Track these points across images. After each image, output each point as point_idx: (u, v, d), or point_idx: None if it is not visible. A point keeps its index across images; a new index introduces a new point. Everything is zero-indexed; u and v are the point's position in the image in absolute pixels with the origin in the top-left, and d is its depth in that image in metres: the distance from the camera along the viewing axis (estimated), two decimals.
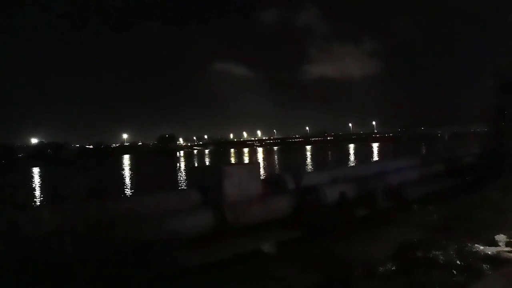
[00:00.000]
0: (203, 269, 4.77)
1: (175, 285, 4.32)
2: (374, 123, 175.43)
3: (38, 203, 22.23)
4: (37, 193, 28.39)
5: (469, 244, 4.97)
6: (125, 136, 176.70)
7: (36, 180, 42.46)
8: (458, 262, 4.42)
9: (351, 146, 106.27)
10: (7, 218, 4.96)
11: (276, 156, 73.54)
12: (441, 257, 4.56)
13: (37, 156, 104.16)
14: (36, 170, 58.33)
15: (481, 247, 4.87)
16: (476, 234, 5.46)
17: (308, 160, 55.60)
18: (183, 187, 23.46)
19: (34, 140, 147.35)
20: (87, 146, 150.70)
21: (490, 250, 4.77)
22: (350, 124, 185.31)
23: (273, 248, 5.44)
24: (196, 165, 54.81)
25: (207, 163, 65.45)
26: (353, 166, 22.37)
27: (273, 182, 8.49)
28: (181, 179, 32.72)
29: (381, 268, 4.32)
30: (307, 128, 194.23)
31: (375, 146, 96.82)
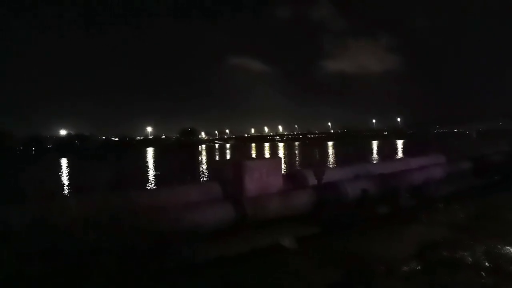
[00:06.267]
0: (222, 262, 4.80)
1: (194, 277, 4.36)
2: (398, 119, 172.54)
3: (65, 194, 22.90)
4: (63, 183, 29.26)
5: (497, 245, 4.80)
6: (149, 129, 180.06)
7: (64, 170, 43.75)
8: (486, 263, 4.27)
9: (374, 142, 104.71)
10: (35, 208, 5.11)
11: (297, 151, 73.26)
12: (468, 258, 4.43)
13: (65, 147, 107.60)
14: (64, 161, 60.12)
15: (511, 249, 4.70)
16: (504, 234, 5.27)
17: (330, 156, 55.09)
18: (204, 180, 23.67)
19: (62, 132, 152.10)
20: (113, 139, 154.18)
21: None
22: (374, 121, 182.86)
23: (292, 243, 5.41)
24: (217, 158, 55.21)
25: (228, 157, 65.83)
26: (375, 162, 22.01)
27: (294, 177, 8.43)
28: (203, 172, 33.05)
29: (404, 267, 4.23)
30: (329, 123, 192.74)
31: (399, 143, 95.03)
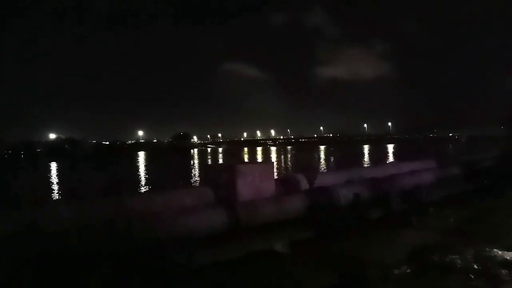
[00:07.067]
0: (216, 267, 4.79)
1: (188, 283, 4.35)
2: (389, 124, 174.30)
3: (55, 199, 22.62)
4: (55, 188, 28.91)
5: (487, 249, 4.87)
6: (140, 133, 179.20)
7: (54, 175, 43.27)
8: (475, 266, 4.34)
9: (366, 147, 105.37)
10: (26, 214, 5.06)
11: (289, 155, 73.37)
12: (458, 261, 4.49)
13: (55, 151, 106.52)
14: (53, 165, 59.43)
15: (499, 252, 4.77)
16: (494, 238, 5.35)
17: (322, 160, 55.27)
18: (197, 185, 23.57)
19: (52, 136, 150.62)
20: (104, 142, 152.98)
21: (508, 255, 4.67)
22: (365, 125, 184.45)
23: (286, 247, 5.42)
24: (209, 163, 55.04)
25: (221, 161, 65.68)
26: (367, 167, 22.14)
27: (286, 181, 8.46)
28: (195, 177, 32.92)
29: (396, 271, 4.27)
30: (321, 128, 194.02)
31: (390, 147, 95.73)
